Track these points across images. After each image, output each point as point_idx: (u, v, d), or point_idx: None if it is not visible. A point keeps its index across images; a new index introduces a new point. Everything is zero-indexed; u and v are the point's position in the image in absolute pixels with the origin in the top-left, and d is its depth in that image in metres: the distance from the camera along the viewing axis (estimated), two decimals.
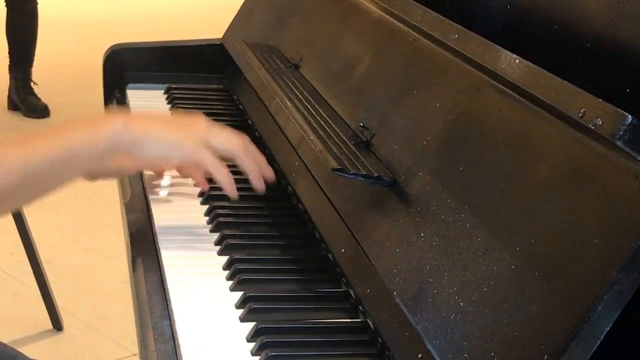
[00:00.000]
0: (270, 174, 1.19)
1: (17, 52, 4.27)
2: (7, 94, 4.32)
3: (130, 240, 1.18)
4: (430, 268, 0.87)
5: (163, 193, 1.31)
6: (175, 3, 7.14)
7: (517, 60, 0.90)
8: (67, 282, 2.70)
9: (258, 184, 1.16)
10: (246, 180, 1.16)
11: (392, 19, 1.23)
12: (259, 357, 0.89)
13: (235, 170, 1.16)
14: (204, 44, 1.81)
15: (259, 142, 1.47)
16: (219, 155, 1.13)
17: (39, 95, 4.28)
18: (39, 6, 4.22)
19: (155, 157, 1.09)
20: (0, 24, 4.27)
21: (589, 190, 0.74)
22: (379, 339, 0.91)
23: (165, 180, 1.31)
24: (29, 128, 4.03)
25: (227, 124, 1.57)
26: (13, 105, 4.30)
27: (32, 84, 4.30)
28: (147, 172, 1.35)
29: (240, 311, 0.98)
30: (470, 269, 0.82)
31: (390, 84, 1.15)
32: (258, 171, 1.16)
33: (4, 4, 4.23)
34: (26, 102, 4.26)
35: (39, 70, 4.30)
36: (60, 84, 4.31)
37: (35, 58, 4.28)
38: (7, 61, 4.28)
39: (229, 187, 1.14)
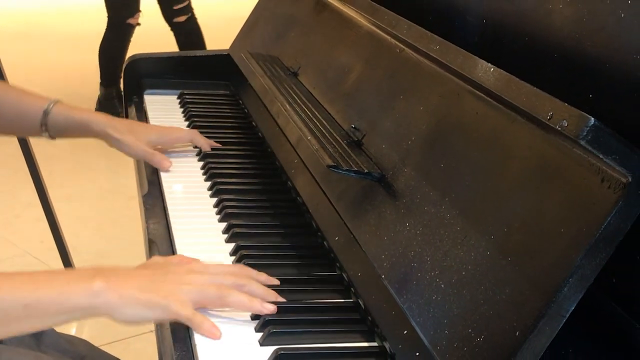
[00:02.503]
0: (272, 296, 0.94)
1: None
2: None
3: (148, 229, 1.18)
4: (414, 254, 0.87)
5: (177, 188, 1.30)
6: None
7: (492, 69, 0.89)
8: None
9: (266, 309, 0.91)
10: (249, 176, 1.14)
11: (380, 32, 1.22)
12: (262, 334, 0.88)
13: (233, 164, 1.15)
14: (213, 54, 1.81)
15: (262, 142, 1.47)
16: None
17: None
18: (64, 21, 4.13)
19: (132, 320, 0.92)
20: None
21: (556, 184, 0.73)
22: (369, 317, 0.91)
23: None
24: None
25: (233, 125, 1.57)
26: None
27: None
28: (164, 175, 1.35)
29: None
30: (450, 255, 0.81)
31: (379, 90, 1.15)
32: (260, 297, 0.93)
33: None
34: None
35: (68, 79, 4.25)
36: (86, 92, 4.30)
37: (65, 68, 4.17)
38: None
39: (211, 333, 0.89)
